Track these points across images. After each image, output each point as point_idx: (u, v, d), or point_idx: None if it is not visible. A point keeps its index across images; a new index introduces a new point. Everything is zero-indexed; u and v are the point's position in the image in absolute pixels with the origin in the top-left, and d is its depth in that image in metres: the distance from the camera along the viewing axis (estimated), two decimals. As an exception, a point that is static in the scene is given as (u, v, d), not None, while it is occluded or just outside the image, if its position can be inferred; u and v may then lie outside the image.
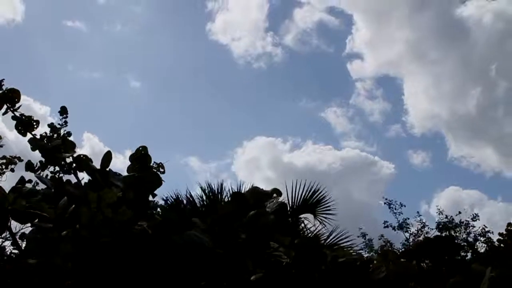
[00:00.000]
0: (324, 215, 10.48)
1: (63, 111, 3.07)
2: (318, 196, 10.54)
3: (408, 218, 25.76)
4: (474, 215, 24.21)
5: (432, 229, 25.00)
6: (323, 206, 10.59)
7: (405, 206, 25.97)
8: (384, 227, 26.05)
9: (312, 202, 10.56)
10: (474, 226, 24.22)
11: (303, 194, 10.58)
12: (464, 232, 23.98)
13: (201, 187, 10.69)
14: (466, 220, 24.31)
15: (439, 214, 25.70)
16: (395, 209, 25.91)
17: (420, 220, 25.45)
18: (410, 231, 25.20)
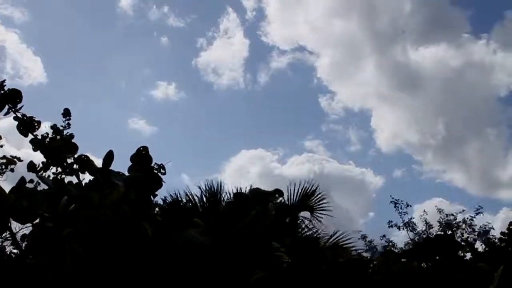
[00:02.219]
0: (320, 212, 10.58)
1: (66, 113, 3.07)
2: (315, 195, 10.65)
3: (413, 218, 25.78)
4: (478, 207, 24.16)
5: (432, 226, 25.04)
6: (320, 206, 10.68)
7: (411, 206, 26.04)
8: (389, 226, 26.11)
9: (310, 201, 10.64)
10: (473, 224, 24.23)
11: (301, 193, 10.67)
12: (469, 228, 24.03)
13: (200, 188, 10.71)
14: (470, 216, 24.36)
15: (439, 212, 25.73)
16: (401, 208, 25.95)
17: (425, 219, 25.54)
18: (415, 230, 25.26)
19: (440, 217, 25.80)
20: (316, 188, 10.82)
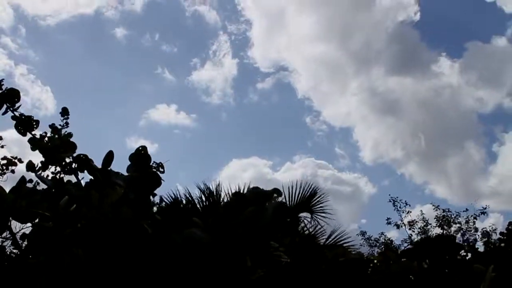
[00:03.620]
0: (320, 213, 10.52)
1: (65, 112, 3.06)
2: (315, 195, 10.60)
3: (410, 212, 25.84)
4: (484, 207, 24.11)
5: (430, 223, 25.08)
6: (320, 206, 10.63)
7: (409, 205, 26.09)
8: (387, 223, 26.15)
9: (309, 201, 10.60)
10: (475, 225, 24.23)
11: (300, 193, 10.61)
12: (472, 227, 24.02)
13: (199, 187, 10.66)
14: (474, 214, 24.32)
15: (435, 210, 25.75)
16: (400, 207, 25.97)
17: (423, 218, 25.58)
18: (414, 229, 25.28)
19: (437, 214, 25.78)
20: (316, 189, 10.75)
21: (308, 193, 10.68)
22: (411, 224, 25.67)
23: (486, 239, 24.20)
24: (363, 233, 26.00)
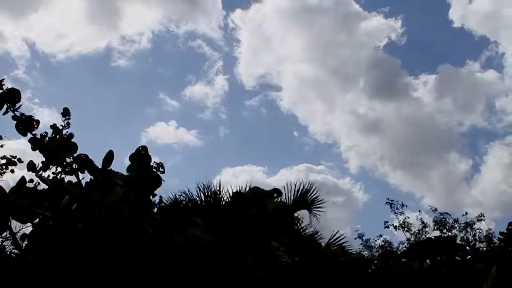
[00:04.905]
0: (317, 207, 10.61)
1: (66, 112, 3.05)
2: (310, 190, 10.70)
3: (409, 217, 25.87)
4: (480, 214, 24.08)
5: (427, 225, 25.09)
6: (316, 204, 10.73)
7: (406, 206, 26.15)
8: (385, 227, 26.16)
9: (306, 197, 10.68)
10: (474, 227, 24.20)
11: (296, 191, 10.71)
12: (470, 231, 23.98)
13: (199, 187, 10.70)
14: (471, 221, 24.27)
15: (433, 211, 25.76)
16: (397, 208, 26.00)
17: (421, 219, 25.61)
18: (411, 231, 25.28)
19: (435, 215, 25.75)
20: (311, 185, 10.83)
21: (304, 189, 10.76)
22: (409, 226, 25.61)
23: (486, 241, 24.13)
24: (360, 236, 25.90)
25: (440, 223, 24.95)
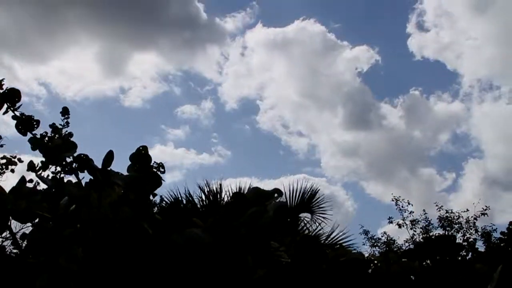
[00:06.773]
0: (320, 213, 10.69)
1: (65, 111, 3.06)
2: (315, 196, 10.76)
3: (413, 212, 26.05)
4: (485, 207, 24.06)
5: (435, 226, 25.15)
6: (320, 207, 10.79)
7: (412, 204, 26.38)
8: (389, 222, 26.40)
9: (310, 202, 10.72)
10: (475, 224, 24.19)
11: (300, 195, 10.77)
12: (472, 228, 24.02)
13: (200, 187, 10.72)
14: (474, 215, 24.34)
15: (438, 210, 25.89)
16: (402, 206, 26.24)
17: (426, 217, 25.73)
18: (416, 230, 25.39)
19: (440, 214, 25.86)
20: (316, 190, 10.94)
21: (308, 195, 10.83)
22: (413, 223, 25.68)
23: (485, 238, 24.15)
24: (366, 232, 26.05)
25: (445, 220, 24.96)
